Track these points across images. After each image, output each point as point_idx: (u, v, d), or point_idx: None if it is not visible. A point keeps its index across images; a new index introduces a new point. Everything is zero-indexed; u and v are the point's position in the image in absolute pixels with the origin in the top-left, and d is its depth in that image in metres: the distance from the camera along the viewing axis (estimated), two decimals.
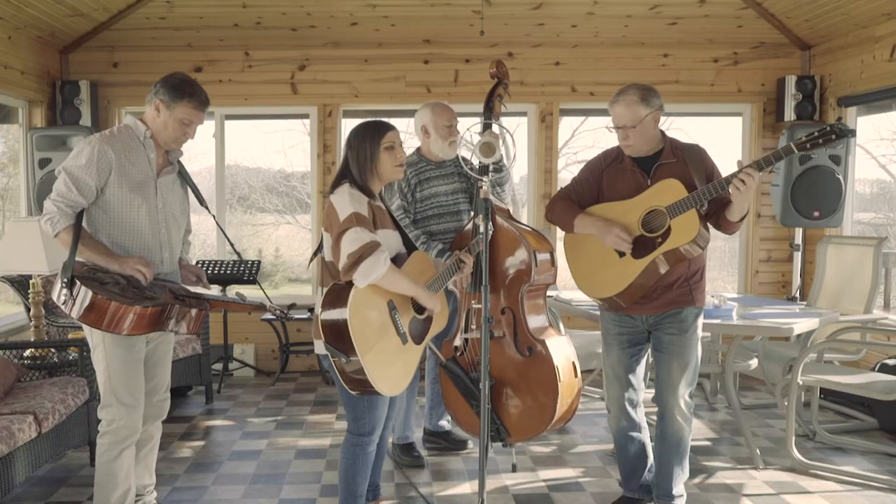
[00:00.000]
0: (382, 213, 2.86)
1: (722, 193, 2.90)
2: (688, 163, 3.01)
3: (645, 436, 3.31)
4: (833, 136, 2.78)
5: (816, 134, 2.80)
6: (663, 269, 3.01)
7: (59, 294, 2.72)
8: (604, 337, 3.31)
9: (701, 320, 3.16)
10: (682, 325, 3.08)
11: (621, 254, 3.05)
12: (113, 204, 2.85)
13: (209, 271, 5.54)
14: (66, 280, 2.67)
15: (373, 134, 2.79)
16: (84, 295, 2.64)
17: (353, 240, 2.61)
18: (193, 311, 2.85)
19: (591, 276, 3.18)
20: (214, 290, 3.17)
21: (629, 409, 3.27)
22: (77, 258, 2.74)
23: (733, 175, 2.84)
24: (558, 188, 6.21)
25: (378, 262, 2.60)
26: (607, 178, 3.16)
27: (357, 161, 2.78)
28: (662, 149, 3.08)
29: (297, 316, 5.60)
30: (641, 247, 3.01)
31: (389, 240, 2.82)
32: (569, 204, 3.21)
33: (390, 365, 2.71)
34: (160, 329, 2.79)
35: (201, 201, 3.19)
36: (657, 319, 3.12)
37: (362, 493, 2.96)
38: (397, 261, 2.81)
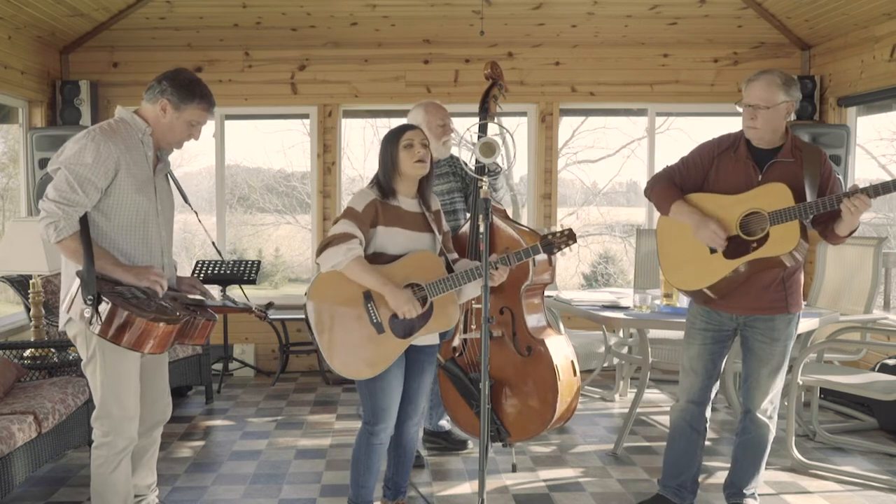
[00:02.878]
0: (398, 212, 2.92)
1: (831, 210, 2.80)
2: (804, 164, 2.90)
3: (701, 439, 3.23)
4: None
5: None
6: (751, 273, 2.95)
7: (70, 308, 2.56)
8: (687, 329, 3.22)
9: (795, 325, 3.07)
10: (773, 334, 3.03)
11: (713, 249, 2.99)
12: (117, 207, 2.67)
13: (209, 271, 5.55)
14: (90, 298, 2.45)
15: (395, 135, 2.94)
16: (118, 313, 2.46)
17: (333, 229, 2.84)
18: (202, 322, 2.77)
19: (679, 266, 3.13)
20: (211, 295, 3.11)
21: (696, 405, 3.19)
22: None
23: (846, 195, 2.76)
24: (558, 188, 6.24)
25: (338, 252, 2.76)
26: (717, 166, 3.06)
27: (382, 162, 2.95)
28: (782, 146, 2.98)
29: (294, 316, 5.60)
30: (735, 247, 2.94)
31: (395, 238, 2.89)
32: (670, 186, 3.11)
33: (353, 350, 2.85)
34: (180, 343, 2.71)
35: (185, 199, 3.04)
36: (747, 320, 3.06)
37: (365, 483, 3.00)
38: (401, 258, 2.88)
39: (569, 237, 2.91)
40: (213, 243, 3.29)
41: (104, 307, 2.46)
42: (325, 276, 2.84)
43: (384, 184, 2.93)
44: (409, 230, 2.92)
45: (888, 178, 2.73)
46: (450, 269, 2.96)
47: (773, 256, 2.87)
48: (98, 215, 2.67)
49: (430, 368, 3.09)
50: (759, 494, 3.27)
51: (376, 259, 2.87)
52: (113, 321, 2.47)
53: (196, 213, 3.14)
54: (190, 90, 2.75)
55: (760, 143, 3.00)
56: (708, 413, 3.23)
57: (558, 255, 3.42)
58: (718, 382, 3.23)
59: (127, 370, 2.74)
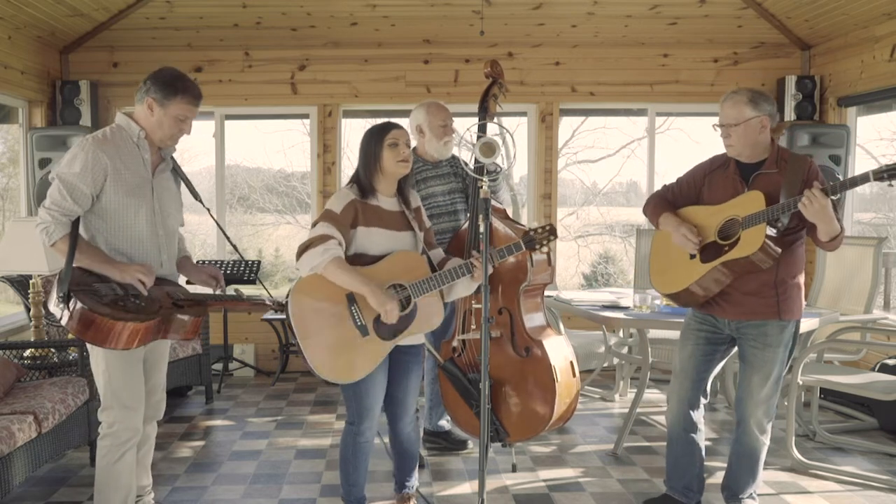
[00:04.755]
0: (377, 211, 2.91)
1: (795, 211, 2.85)
2: (786, 174, 2.96)
3: (698, 438, 3.24)
4: None
5: None
6: (729, 277, 3.01)
7: (54, 305, 2.68)
8: (683, 331, 3.29)
9: (791, 333, 3.08)
10: (764, 340, 3.05)
11: (693, 255, 3.09)
12: (110, 210, 2.78)
13: None
14: (62, 294, 2.60)
15: (379, 132, 2.91)
16: (80, 310, 2.58)
17: (311, 232, 2.81)
18: (189, 318, 2.83)
19: (661, 271, 3.26)
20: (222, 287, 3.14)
21: (688, 406, 3.22)
22: (75, 265, 2.68)
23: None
24: (558, 188, 6.25)
25: (316, 254, 2.73)
26: (709, 183, 3.17)
27: (364, 159, 2.92)
28: (767, 158, 3.04)
29: None
30: (712, 251, 3.04)
31: (375, 238, 2.88)
32: (661, 201, 3.27)
33: (337, 353, 2.81)
34: (160, 338, 2.80)
35: (196, 196, 3.11)
36: (739, 326, 3.09)
37: (355, 482, 3.03)
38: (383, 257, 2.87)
39: (549, 232, 2.94)
40: (229, 240, 3.33)
41: (73, 305, 2.59)
42: (306, 279, 2.80)
43: (364, 182, 2.92)
44: (389, 230, 2.92)
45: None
46: (433, 268, 2.96)
47: (742, 258, 2.93)
48: (94, 217, 2.80)
49: (415, 369, 3.08)
50: (758, 494, 3.28)
51: (358, 260, 2.85)
52: (79, 318, 2.60)
53: (209, 209, 3.28)
54: (173, 86, 2.82)
55: (742, 158, 3.07)
56: (697, 416, 3.24)
57: (551, 254, 3.44)
58: (716, 385, 3.23)
59: (128, 361, 2.82)
